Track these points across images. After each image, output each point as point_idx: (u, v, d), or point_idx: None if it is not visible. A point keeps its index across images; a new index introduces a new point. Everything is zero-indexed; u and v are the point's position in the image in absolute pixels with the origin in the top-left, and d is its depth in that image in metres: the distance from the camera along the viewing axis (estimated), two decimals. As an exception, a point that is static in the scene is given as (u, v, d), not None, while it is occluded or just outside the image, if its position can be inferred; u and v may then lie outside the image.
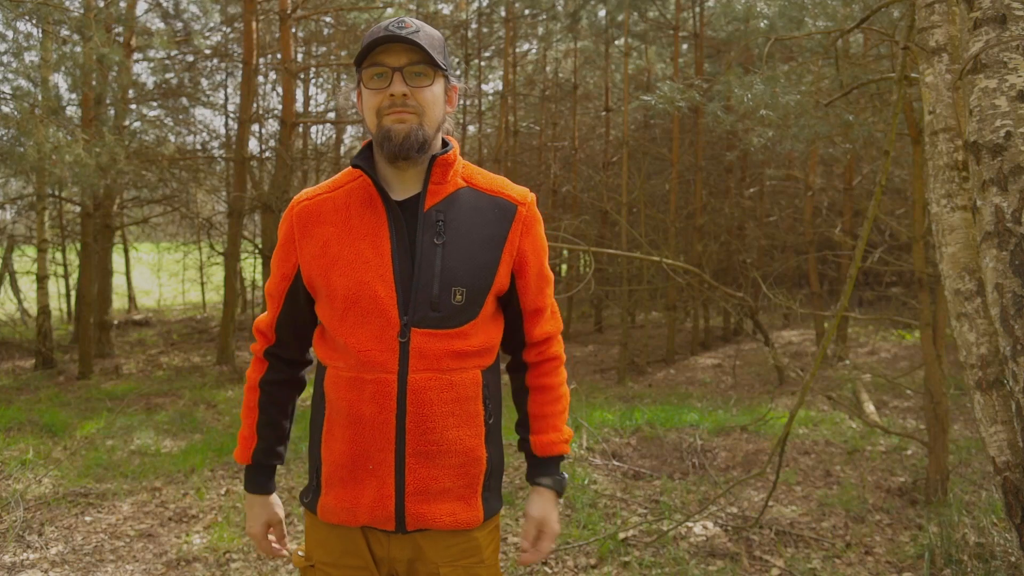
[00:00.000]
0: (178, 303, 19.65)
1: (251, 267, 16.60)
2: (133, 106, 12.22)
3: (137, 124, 12.22)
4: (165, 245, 18.04)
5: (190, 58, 13.75)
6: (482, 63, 16.06)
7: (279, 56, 11.93)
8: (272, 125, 14.74)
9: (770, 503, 4.12)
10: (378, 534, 1.52)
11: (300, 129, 14.59)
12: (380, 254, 1.47)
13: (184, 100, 13.94)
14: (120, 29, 10.77)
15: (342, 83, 15.01)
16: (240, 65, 11.97)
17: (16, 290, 13.54)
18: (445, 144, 1.55)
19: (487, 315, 1.52)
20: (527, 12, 13.99)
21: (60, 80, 15.10)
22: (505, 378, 1.72)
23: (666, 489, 4.57)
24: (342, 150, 16.18)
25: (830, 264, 14.28)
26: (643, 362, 10.96)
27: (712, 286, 8.64)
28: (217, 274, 16.80)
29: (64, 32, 9.61)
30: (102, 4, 10.05)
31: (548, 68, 16.86)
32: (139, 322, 15.42)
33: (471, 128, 15.89)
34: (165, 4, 12.71)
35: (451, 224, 1.49)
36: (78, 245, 11.70)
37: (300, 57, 14.44)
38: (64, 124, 9.34)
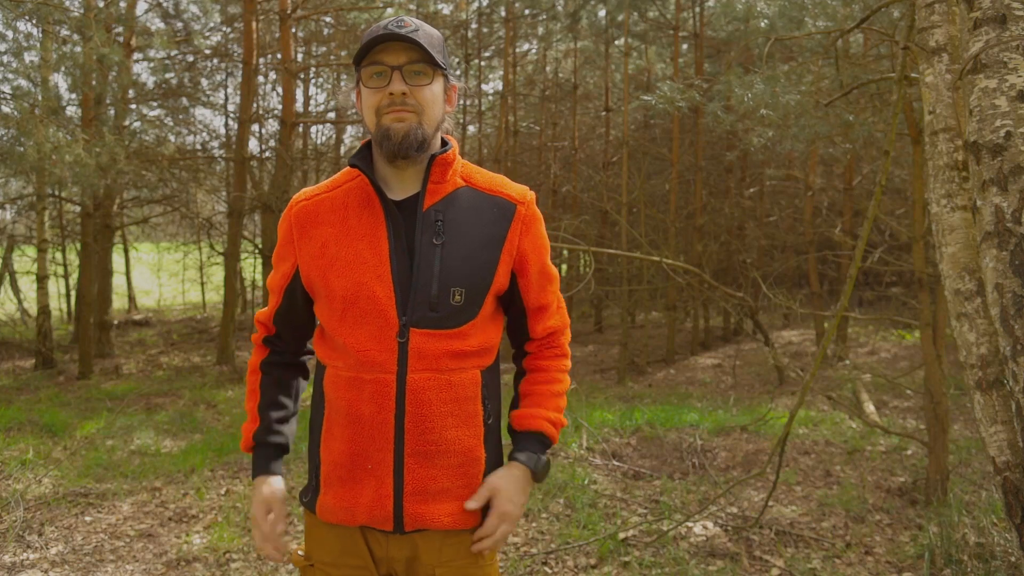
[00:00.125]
0: (178, 303, 19.66)
1: (251, 267, 16.61)
2: (133, 106, 12.23)
3: (137, 124, 12.22)
4: (165, 245, 18.05)
5: (190, 58, 13.76)
6: (482, 63, 16.05)
7: (279, 56, 11.94)
8: (272, 125, 14.75)
9: (770, 503, 4.12)
10: (377, 534, 1.52)
11: (300, 129, 14.60)
12: (378, 254, 1.47)
13: (184, 100, 13.94)
14: (120, 29, 10.78)
15: (342, 83, 15.00)
16: (240, 65, 11.97)
17: (16, 290, 13.54)
18: (444, 143, 1.54)
19: (486, 315, 1.52)
20: (527, 12, 13.98)
21: (60, 80, 15.15)
22: (505, 378, 1.72)
23: (666, 489, 4.57)
24: (342, 150, 16.20)
25: (830, 264, 14.28)
26: (643, 362, 10.96)
27: (712, 286, 8.63)
28: (217, 274, 16.81)
29: (64, 32, 9.62)
30: (102, 4, 10.05)
31: (548, 68, 16.86)
32: (139, 322, 15.42)
33: (471, 128, 15.89)
34: (165, 4, 12.72)
35: (450, 224, 1.48)
36: (78, 245, 11.71)
37: (300, 57, 14.44)
38: (64, 124, 9.34)
